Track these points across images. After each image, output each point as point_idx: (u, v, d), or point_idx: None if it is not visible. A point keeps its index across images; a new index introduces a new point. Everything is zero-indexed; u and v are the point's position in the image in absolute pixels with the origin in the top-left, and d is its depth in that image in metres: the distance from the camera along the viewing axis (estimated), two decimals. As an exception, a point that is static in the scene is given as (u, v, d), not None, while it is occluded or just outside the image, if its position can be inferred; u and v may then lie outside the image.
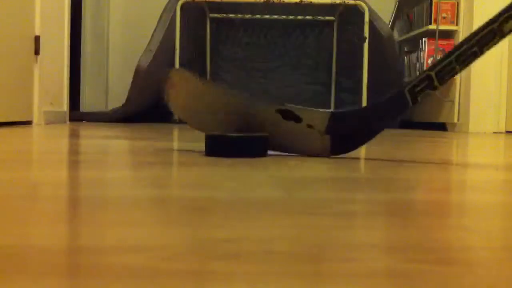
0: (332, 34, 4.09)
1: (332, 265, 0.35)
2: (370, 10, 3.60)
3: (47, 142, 1.55)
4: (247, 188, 0.69)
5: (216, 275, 0.32)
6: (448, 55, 1.06)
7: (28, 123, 2.75)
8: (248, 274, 0.33)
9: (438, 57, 3.52)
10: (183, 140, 1.80)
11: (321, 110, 1.21)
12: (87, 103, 4.35)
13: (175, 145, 1.55)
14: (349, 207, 0.57)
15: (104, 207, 0.54)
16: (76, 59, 4.20)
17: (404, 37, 4.05)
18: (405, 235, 0.44)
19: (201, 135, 2.11)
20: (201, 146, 1.46)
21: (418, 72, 3.71)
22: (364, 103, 3.48)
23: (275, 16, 4.05)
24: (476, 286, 0.32)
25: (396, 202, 0.61)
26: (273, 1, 3.53)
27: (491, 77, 3.37)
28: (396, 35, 4.16)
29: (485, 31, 1.03)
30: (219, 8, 3.98)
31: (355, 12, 3.73)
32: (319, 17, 4.06)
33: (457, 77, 3.46)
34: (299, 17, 4.06)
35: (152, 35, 3.58)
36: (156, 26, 3.61)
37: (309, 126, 1.17)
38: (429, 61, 3.58)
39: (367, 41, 3.50)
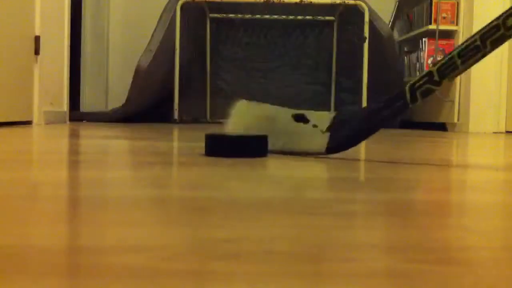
0: (332, 34, 4.09)
1: (332, 265, 0.35)
2: (370, 10, 3.60)
3: (47, 142, 1.55)
4: (247, 188, 0.69)
5: (216, 275, 0.32)
6: (451, 52, 1.06)
7: (28, 123, 2.75)
8: (248, 274, 0.33)
9: (438, 57, 3.52)
10: (183, 140, 1.80)
11: (330, 112, 1.25)
12: (87, 103, 4.35)
13: (175, 145, 1.55)
14: (349, 207, 0.57)
15: (104, 207, 0.54)
16: (76, 59, 4.20)
17: (404, 37, 4.05)
18: (405, 235, 0.44)
19: (201, 135, 2.11)
20: (201, 146, 1.46)
21: (418, 72, 3.71)
22: (364, 103, 3.48)
23: (275, 16, 4.05)
24: (476, 286, 0.32)
25: (396, 202, 0.61)
26: (273, 1, 3.53)
27: (491, 77, 3.37)
28: (396, 35, 4.16)
29: (489, 26, 1.02)
30: (219, 8, 3.98)
31: (355, 12, 3.73)
32: (319, 17, 4.06)
33: (457, 77, 3.46)
34: (299, 17, 4.06)
35: (152, 35, 3.58)
36: (156, 26, 3.61)
37: (315, 126, 1.21)
38: (429, 61, 3.58)
39: (367, 41, 3.50)
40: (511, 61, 3.38)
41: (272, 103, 1.33)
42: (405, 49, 4.08)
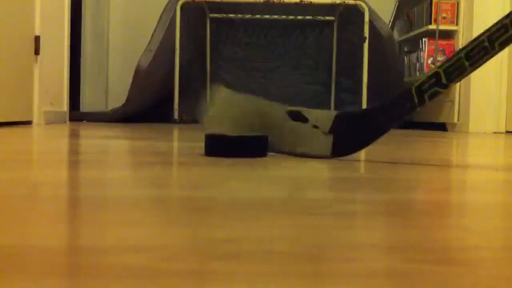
0: (332, 34, 4.09)
1: (332, 265, 0.35)
2: (370, 10, 3.60)
3: (47, 142, 1.55)
4: (247, 188, 0.69)
5: (216, 275, 0.32)
6: (458, 52, 1.03)
7: (28, 123, 2.75)
8: (248, 274, 0.33)
9: (438, 57, 3.52)
10: (183, 140, 1.80)
11: (329, 111, 1.20)
12: (87, 103, 4.35)
13: (175, 145, 1.55)
14: (349, 207, 0.57)
15: (104, 207, 0.54)
16: (76, 59, 4.20)
17: (404, 37, 4.05)
18: (405, 235, 0.44)
19: (201, 135, 2.11)
20: (201, 146, 1.46)
21: (418, 72, 3.71)
22: (364, 103, 3.48)
23: (275, 16, 4.05)
24: (476, 286, 0.32)
25: (396, 202, 0.61)
26: (273, 1, 3.53)
27: (491, 77, 3.37)
28: (396, 35, 4.16)
29: (497, 26, 1.00)
30: (219, 8, 3.98)
31: (355, 12, 3.73)
32: (319, 17, 4.06)
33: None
34: (299, 17, 4.06)
35: (152, 35, 3.58)
36: (156, 26, 3.61)
37: (315, 126, 1.16)
38: (429, 61, 3.58)
39: (367, 41, 3.50)
40: (511, 61, 3.38)
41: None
42: (405, 49, 4.08)
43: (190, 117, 3.95)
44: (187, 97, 3.93)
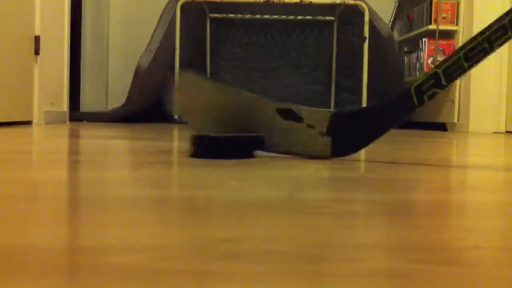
0: (332, 34, 4.08)
1: (332, 265, 0.35)
2: (370, 10, 3.60)
3: (47, 142, 1.55)
4: (247, 188, 0.69)
5: (216, 275, 0.32)
6: (456, 52, 1.02)
7: (28, 123, 2.75)
8: (248, 274, 0.33)
9: (438, 57, 3.52)
10: (183, 140, 1.80)
11: (323, 109, 1.16)
12: (87, 103, 4.35)
13: (175, 145, 1.55)
14: (349, 207, 0.57)
15: (104, 207, 0.54)
16: (76, 59, 4.20)
17: (404, 37, 4.05)
18: (405, 235, 0.44)
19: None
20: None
21: (418, 72, 3.71)
22: (364, 103, 3.48)
23: (275, 16, 4.05)
24: (476, 286, 0.32)
25: (396, 202, 0.61)
26: (273, 1, 3.53)
27: (491, 77, 3.37)
28: (396, 35, 4.16)
29: (496, 26, 0.99)
30: (219, 8, 3.98)
31: (355, 12, 3.73)
32: (319, 17, 4.06)
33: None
34: (299, 17, 4.06)
35: (152, 35, 3.58)
36: (156, 26, 3.61)
37: (310, 126, 1.12)
38: (429, 61, 3.58)
39: (367, 41, 3.50)
40: (511, 61, 3.38)
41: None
42: (405, 49, 4.08)
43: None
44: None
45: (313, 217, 0.51)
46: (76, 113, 3.75)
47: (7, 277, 0.31)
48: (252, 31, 4.13)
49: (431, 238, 0.43)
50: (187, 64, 3.87)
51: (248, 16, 4.03)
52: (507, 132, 3.40)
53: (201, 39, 4.07)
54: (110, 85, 4.38)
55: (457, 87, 3.47)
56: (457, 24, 3.52)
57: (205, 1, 3.65)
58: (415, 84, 1.05)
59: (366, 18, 3.51)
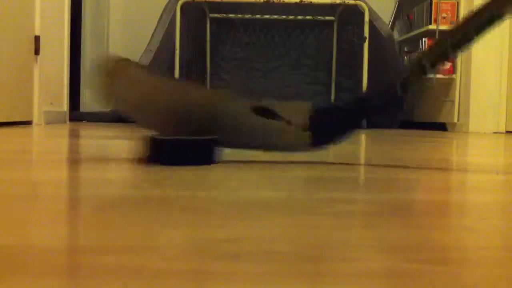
0: (332, 34, 4.08)
1: (332, 265, 0.35)
2: (370, 10, 3.60)
3: (47, 142, 1.55)
4: (247, 188, 0.69)
5: (216, 275, 0.32)
6: (440, 43, 1.02)
7: (28, 123, 2.75)
8: (248, 274, 0.33)
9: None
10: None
11: (298, 102, 1.12)
12: (87, 103, 4.35)
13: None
14: (349, 207, 0.57)
15: (104, 207, 0.54)
16: (76, 59, 4.20)
17: (404, 37, 4.05)
18: (405, 235, 0.44)
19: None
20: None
21: (418, 72, 3.71)
22: (364, 103, 3.48)
23: (275, 16, 4.05)
24: (476, 286, 0.32)
25: (396, 202, 0.61)
26: (273, 1, 3.53)
27: (491, 77, 3.37)
28: (396, 35, 4.16)
29: (482, 17, 0.98)
30: (219, 8, 3.98)
31: (355, 12, 3.73)
32: (319, 17, 4.06)
33: (457, 77, 3.46)
34: (299, 17, 4.06)
35: (152, 35, 3.58)
36: (156, 26, 3.61)
37: (288, 122, 1.07)
38: (429, 61, 3.58)
39: (367, 41, 3.50)
40: (511, 61, 3.38)
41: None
42: (405, 49, 4.08)
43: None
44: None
45: (313, 217, 0.51)
46: (76, 113, 3.75)
47: (7, 277, 0.31)
48: (252, 31, 4.13)
49: (431, 238, 0.43)
50: (187, 64, 3.87)
51: (248, 16, 4.02)
52: (507, 132, 3.40)
53: (201, 39, 4.07)
54: (110, 85, 4.38)
55: (457, 87, 3.47)
56: (457, 24, 3.51)
57: (205, 1, 3.65)
58: (401, 76, 1.05)
59: (366, 18, 3.51)
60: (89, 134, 2.00)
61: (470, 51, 3.35)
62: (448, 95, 3.54)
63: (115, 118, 3.64)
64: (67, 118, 3.24)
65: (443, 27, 3.52)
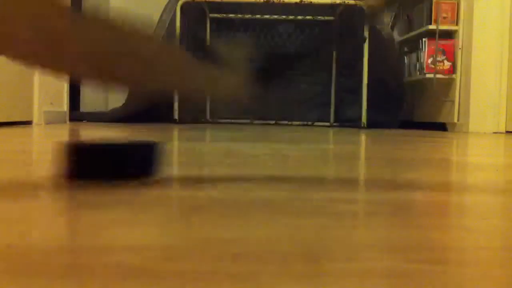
0: (332, 34, 4.08)
1: (332, 265, 0.35)
2: (370, 10, 3.60)
3: (47, 142, 1.55)
4: (247, 188, 0.69)
5: (216, 275, 0.32)
6: None
7: (28, 123, 2.75)
8: (248, 274, 0.33)
9: (438, 57, 3.52)
10: (183, 140, 1.80)
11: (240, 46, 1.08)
12: (87, 103, 4.35)
13: (175, 144, 1.55)
14: (349, 207, 0.57)
15: (103, 207, 0.54)
16: (76, 59, 4.20)
17: (404, 37, 4.05)
18: (405, 235, 0.44)
19: (202, 135, 2.11)
20: (200, 146, 1.45)
21: (418, 72, 3.71)
22: (364, 103, 3.48)
23: (275, 16, 4.05)
24: (476, 286, 0.32)
25: (396, 202, 0.61)
26: (273, 1, 3.53)
27: (491, 77, 3.37)
28: (396, 35, 4.16)
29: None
30: (219, 8, 3.98)
31: (355, 12, 3.73)
32: (319, 17, 4.06)
33: (457, 77, 3.47)
34: (299, 17, 4.06)
35: (152, 35, 3.57)
36: (156, 26, 3.61)
37: (231, 69, 0.93)
38: (429, 61, 3.58)
39: (367, 41, 3.50)
40: (511, 61, 3.38)
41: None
42: (405, 49, 4.08)
43: (190, 117, 3.95)
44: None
45: (313, 217, 0.51)
46: (76, 113, 3.75)
47: (7, 277, 0.31)
48: (252, 31, 4.13)
49: (431, 238, 0.43)
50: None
51: (248, 16, 4.02)
52: (507, 132, 3.40)
53: (201, 39, 4.07)
54: (110, 85, 4.38)
55: (457, 87, 3.47)
56: (457, 24, 3.51)
57: (205, 1, 3.65)
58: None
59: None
60: (89, 134, 2.00)
61: (470, 51, 3.36)
62: (448, 95, 3.54)
63: (115, 118, 3.64)
64: (67, 118, 3.24)
65: (443, 27, 3.52)
